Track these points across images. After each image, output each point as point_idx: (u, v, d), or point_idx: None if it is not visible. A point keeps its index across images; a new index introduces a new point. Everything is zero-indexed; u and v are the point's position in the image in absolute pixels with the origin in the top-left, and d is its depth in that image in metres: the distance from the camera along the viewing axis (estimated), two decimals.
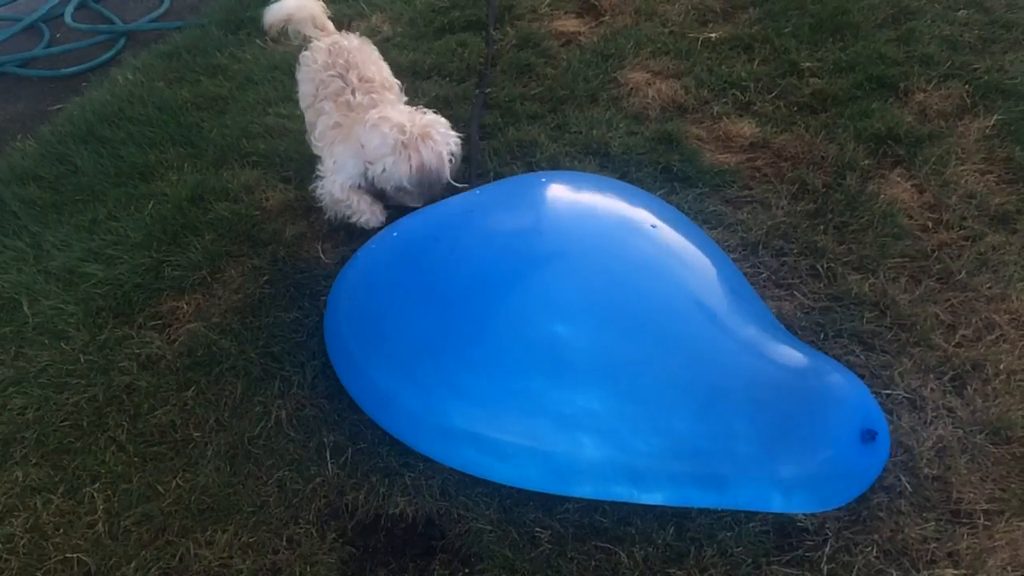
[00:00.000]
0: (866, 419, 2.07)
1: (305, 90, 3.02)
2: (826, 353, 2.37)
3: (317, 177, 2.92)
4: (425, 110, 2.77)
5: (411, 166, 2.65)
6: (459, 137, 2.77)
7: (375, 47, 3.08)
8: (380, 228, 2.80)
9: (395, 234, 2.55)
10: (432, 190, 2.74)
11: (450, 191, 2.76)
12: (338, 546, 2.09)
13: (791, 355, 2.15)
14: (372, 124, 2.70)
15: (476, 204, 2.56)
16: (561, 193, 2.56)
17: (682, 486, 2.04)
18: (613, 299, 2.15)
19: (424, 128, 2.67)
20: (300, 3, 3.07)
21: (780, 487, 2.01)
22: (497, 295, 2.19)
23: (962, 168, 3.01)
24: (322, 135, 2.90)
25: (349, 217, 2.89)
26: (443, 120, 2.75)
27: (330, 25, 3.13)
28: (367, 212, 2.87)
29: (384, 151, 2.67)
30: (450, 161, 2.72)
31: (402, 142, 2.65)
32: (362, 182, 2.81)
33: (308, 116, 3.03)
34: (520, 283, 2.21)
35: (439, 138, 2.68)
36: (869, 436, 2.02)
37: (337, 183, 2.83)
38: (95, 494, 2.22)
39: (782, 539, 2.02)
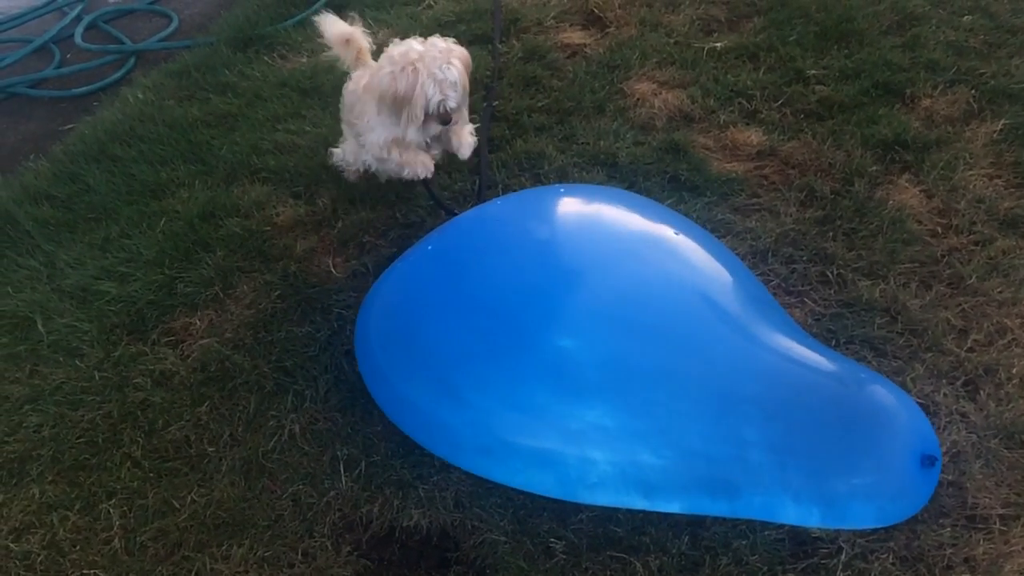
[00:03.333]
0: (925, 442, 2.07)
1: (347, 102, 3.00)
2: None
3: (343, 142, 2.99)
4: (444, 40, 2.66)
5: (387, 95, 2.62)
6: (463, 70, 2.63)
7: None
8: (429, 178, 2.85)
9: (429, 247, 2.57)
10: (416, 123, 2.66)
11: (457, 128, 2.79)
12: (353, 559, 2.09)
13: (835, 366, 2.17)
14: (380, 61, 2.68)
15: (501, 218, 2.59)
16: (583, 206, 2.60)
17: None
18: (630, 311, 2.16)
19: (415, 56, 2.57)
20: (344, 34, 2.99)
21: (823, 502, 2.02)
22: (529, 309, 2.22)
23: (970, 173, 3.01)
24: (351, 102, 2.89)
25: (399, 174, 2.85)
26: (451, 49, 2.63)
27: (368, 59, 3.00)
28: (413, 162, 2.81)
29: (383, 85, 2.63)
30: (443, 93, 2.58)
31: (391, 72, 2.59)
32: (396, 132, 2.74)
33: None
34: (537, 299, 2.22)
35: (422, 67, 2.55)
36: (929, 461, 2.02)
37: (374, 142, 2.80)
38: (111, 510, 2.23)
39: (797, 547, 2.02)
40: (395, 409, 2.32)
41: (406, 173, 2.84)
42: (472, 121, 2.91)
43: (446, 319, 2.27)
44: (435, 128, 2.73)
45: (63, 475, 2.34)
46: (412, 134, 2.72)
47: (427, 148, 2.84)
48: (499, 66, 3.82)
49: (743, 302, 2.27)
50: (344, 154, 3.11)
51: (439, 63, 2.56)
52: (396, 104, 2.63)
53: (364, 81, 2.81)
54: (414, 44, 2.61)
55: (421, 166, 2.81)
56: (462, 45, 2.61)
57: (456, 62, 2.60)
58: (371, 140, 2.81)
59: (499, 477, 2.14)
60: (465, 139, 2.83)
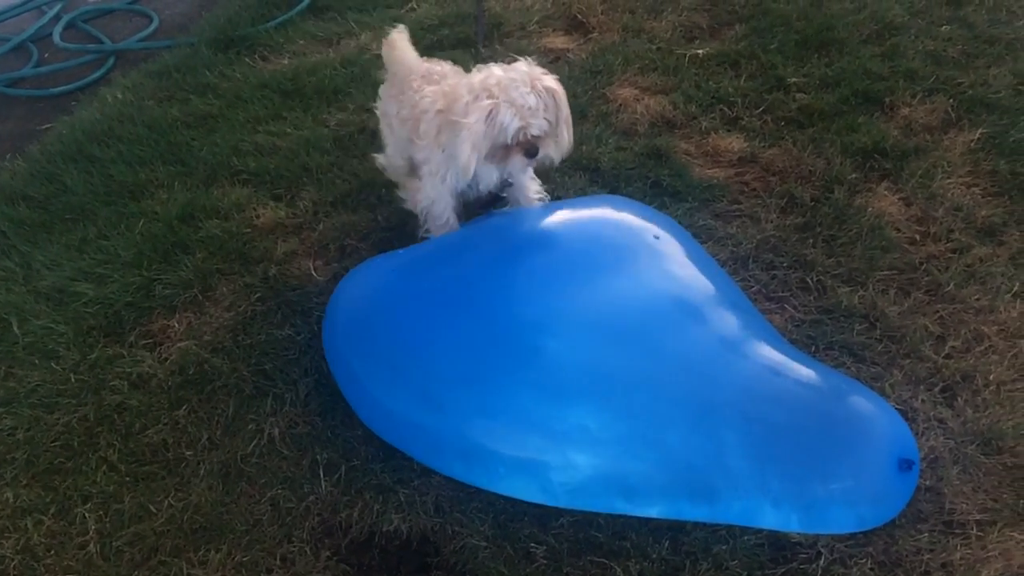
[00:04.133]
0: (903, 447, 2.08)
1: (387, 106, 2.88)
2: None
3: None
4: (530, 64, 2.41)
5: (448, 120, 2.42)
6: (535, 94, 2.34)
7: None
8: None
9: (400, 251, 2.58)
10: (478, 153, 2.38)
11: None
12: (332, 564, 2.08)
13: (814, 374, 2.18)
14: (459, 90, 2.41)
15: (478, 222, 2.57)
16: (563, 210, 2.61)
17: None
18: (609, 316, 2.17)
19: (492, 82, 2.34)
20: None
21: (802, 507, 2.02)
22: (496, 308, 2.22)
23: (948, 181, 3.04)
24: (426, 129, 2.60)
25: (426, 223, 2.71)
26: (536, 74, 2.36)
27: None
28: (439, 215, 2.65)
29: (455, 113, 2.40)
30: (523, 120, 2.32)
31: (466, 103, 2.35)
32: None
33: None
34: (515, 297, 2.22)
35: (500, 93, 2.31)
36: (906, 465, 2.03)
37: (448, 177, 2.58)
38: (87, 515, 2.20)
39: (776, 552, 2.03)
40: (372, 415, 2.31)
41: (433, 226, 2.69)
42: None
43: (422, 322, 2.26)
44: (520, 161, 2.45)
45: (38, 479, 2.31)
46: (480, 170, 2.45)
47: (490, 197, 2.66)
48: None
49: (723, 309, 2.27)
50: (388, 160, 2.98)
51: (520, 87, 2.31)
52: (450, 127, 2.41)
53: (439, 105, 2.53)
54: (495, 70, 2.39)
55: (440, 218, 2.64)
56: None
57: (543, 83, 2.35)
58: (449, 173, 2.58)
59: (480, 482, 2.14)
60: (531, 196, 2.68)
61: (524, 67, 2.38)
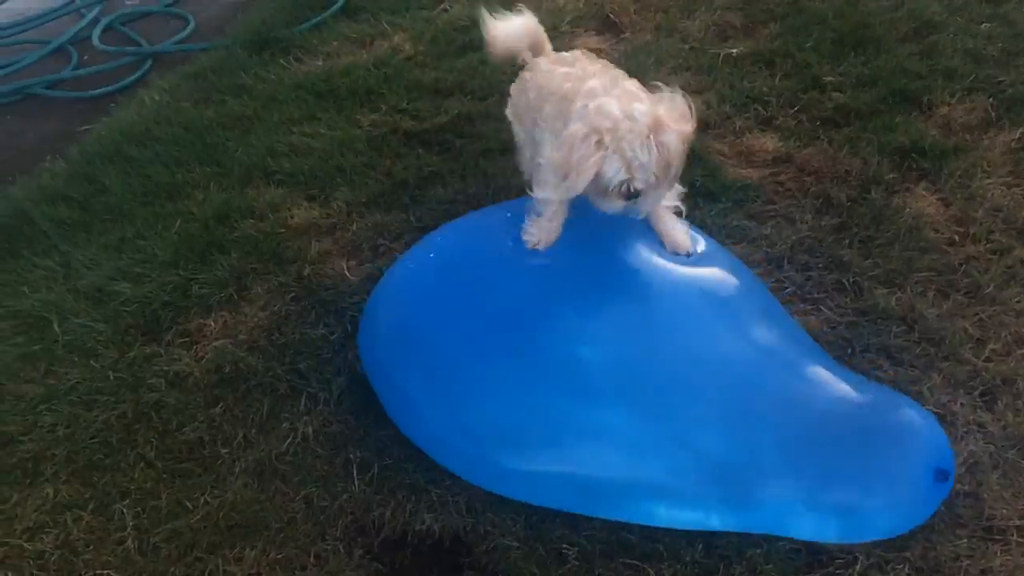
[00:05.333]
0: (941, 458, 2.05)
1: (516, 100, 2.67)
2: (854, 368, 2.36)
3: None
4: (654, 99, 2.18)
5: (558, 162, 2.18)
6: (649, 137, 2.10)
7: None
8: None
9: (431, 255, 2.56)
10: (572, 192, 2.20)
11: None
12: (365, 563, 2.09)
13: (848, 386, 2.15)
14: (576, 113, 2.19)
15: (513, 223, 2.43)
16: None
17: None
18: (645, 320, 2.17)
19: (607, 125, 2.10)
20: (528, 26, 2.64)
21: (830, 513, 2.01)
22: (528, 320, 2.22)
23: (988, 181, 2.99)
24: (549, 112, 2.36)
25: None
26: (661, 122, 2.11)
27: (548, 47, 2.71)
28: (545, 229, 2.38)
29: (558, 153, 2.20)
30: (629, 173, 2.12)
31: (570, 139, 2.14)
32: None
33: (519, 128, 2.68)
34: (548, 309, 2.23)
35: (611, 142, 2.09)
36: (942, 476, 2.01)
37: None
38: (124, 511, 2.24)
39: (812, 556, 2.00)
40: (412, 428, 2.34)
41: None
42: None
43: (460, 336, 2.26)
44: (617, 203, 2.23)
45: (77, 475, 2.34)
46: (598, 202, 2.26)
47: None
48: None
49: (758, 318, 2.25)
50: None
51: (634, 141, 2.08)
52: (561, 169, 2.17)
53: (565, 87, 2.30)
54: (612, 107, 2.11)
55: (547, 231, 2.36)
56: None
57: (662, 139, 2.11)
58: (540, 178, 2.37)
59: (518, 495, 2.15)
60: (679, 237, 2.38)
61: (644, 106, 2.12)
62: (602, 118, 2.09)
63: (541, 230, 2.34)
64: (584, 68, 2.37)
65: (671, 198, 2.40)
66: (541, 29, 2.67)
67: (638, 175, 2.10)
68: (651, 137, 2.08)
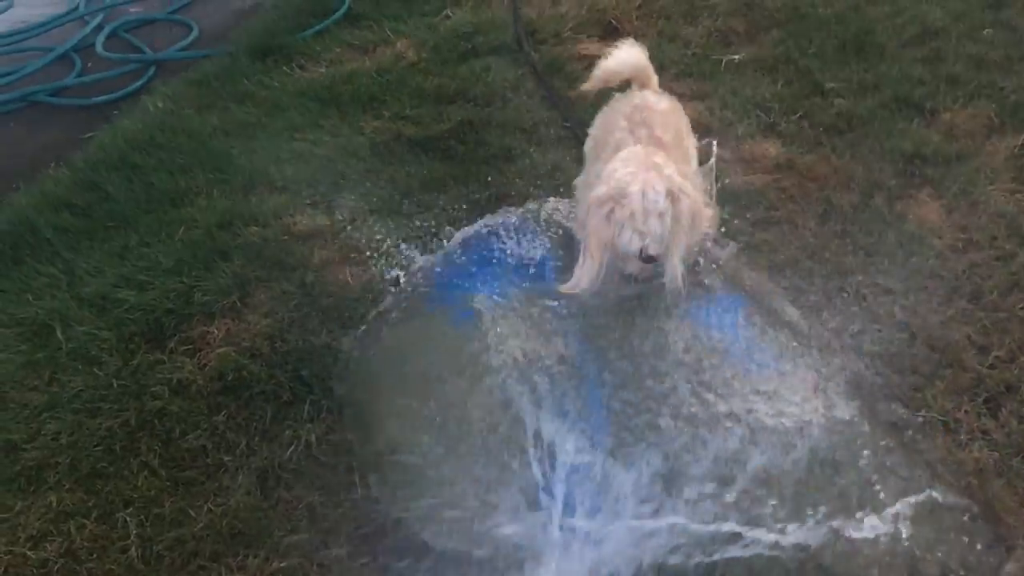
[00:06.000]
0: None
1: (593, 133, 2.76)
2: (856, 374, 2.36)
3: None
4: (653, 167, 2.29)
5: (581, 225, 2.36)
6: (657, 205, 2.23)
7: (684, 114, 2.76)
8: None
9: None
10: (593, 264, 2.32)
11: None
12: (369, 572, 2.08)
13: None
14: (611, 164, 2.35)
15: None
16: None
17: None
18: None
19: (619, 196, 2.24)
20: (635, 59, 2.74)
21: None
22: None
23: (991, 188, 2.99)
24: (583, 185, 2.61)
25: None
26: (675, 194, 2.24)
27: (654, 81, 2.78)
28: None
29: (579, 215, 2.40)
30: (642, 241, 2.25)
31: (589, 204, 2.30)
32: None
33: (587, 161, 2.75)
34: None
35: (621, 214, 2.24)
36: None
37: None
38: (128, 519, 2.23)
39: None
40: None
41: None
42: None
43: None
44: (634, 265, 2.38)
45: (80, 483, 2.34)
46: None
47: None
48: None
49: None
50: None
51: (646, 215, 2.22)
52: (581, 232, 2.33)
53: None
54: (630, 182, 2.24)
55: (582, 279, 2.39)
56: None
57: (680, 206, 2.24)
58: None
59: None
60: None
61: (660, 182, 2.23)
62: (619, 192, 2.23)
63: (584, 273, 2.38)
64: (640, 119, 2.52)
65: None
66: (648, 62, 2.74)
67: (652, 244, 2.25)
68: (666, 212, 2.22)
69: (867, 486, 2.11)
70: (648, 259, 2.31)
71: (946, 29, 3.87)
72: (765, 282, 2.69)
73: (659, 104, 2.62)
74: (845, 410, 2.30)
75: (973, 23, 3.90)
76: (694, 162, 2.68)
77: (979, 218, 2.88)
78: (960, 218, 2.90)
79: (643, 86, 2.73)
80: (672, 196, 2.24)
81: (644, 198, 2.22)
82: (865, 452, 2.18)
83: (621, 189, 2.24)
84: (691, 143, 2.70)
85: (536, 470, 2.19)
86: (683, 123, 2.69)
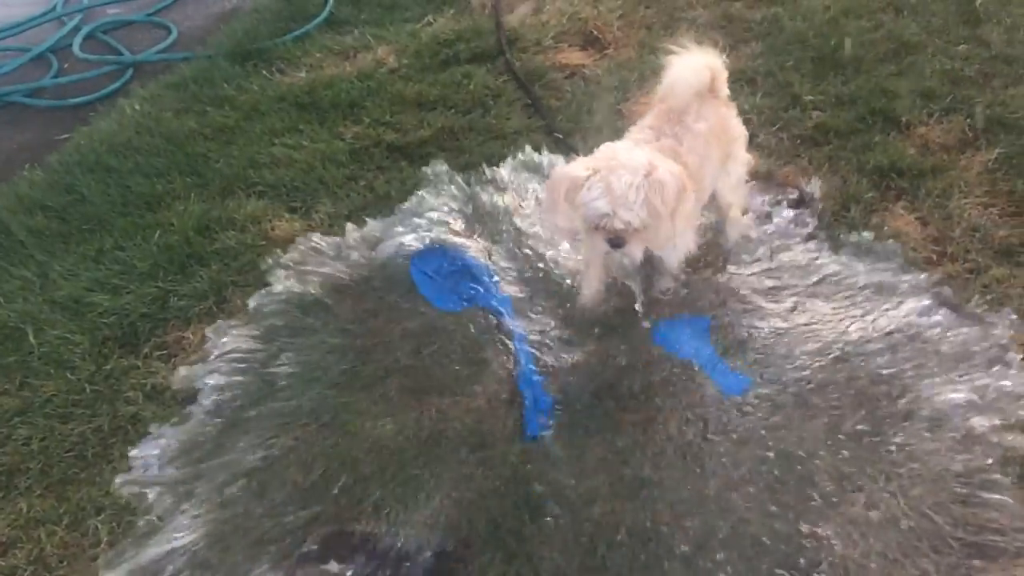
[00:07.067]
0: None
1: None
2: None
3: None
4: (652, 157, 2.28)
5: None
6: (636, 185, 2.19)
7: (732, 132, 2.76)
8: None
9: None
10: (552, 217, 2.40)
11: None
12: None
13: None
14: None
15: None
16: None
17: None
18: None
19: (603, 164, 2.25)
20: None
21: None
22: None
23: (965, 201, 3.02)
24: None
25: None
26: (657, 170, 2.22)
27: (724, 91, 2.77)
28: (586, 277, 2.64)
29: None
30: (611, 208, 2.21)
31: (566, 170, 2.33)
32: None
33: None
34: None
35: (600, 175, 2.22)
36: None
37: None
38: (99, 526, 2.21)
39: None
40: None
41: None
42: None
43: None
44: (601, 245, 2.36)
45: (51, 489, 2.32)
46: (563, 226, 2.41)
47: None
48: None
49: None
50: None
51: (624, 177, 2.18)
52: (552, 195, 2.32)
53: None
54: (614, 149, 2.30)
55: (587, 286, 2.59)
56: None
57: (655, 175, 2.20)
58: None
59: None
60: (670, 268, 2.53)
61: (644, 156, 2.25)
62: (606, 156, 2.25)
63: (586, 283, 2.56)
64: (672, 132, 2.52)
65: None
66: (721, 69, 2.70)
67: (620, 212, 2.18)
68: (644, 180, 2.18)
69: None
70: (616, 243, 2.29)
71: (922, 44, 3.91)
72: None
73: (696, 124, 2.56)
74: None
75: (948, 39, 3.95)
76: (733, 177, 2.76)
77: (953, 231, 2.91)
78: (935, 231, 2.93)
79: (711, 93, 2.67)
80: (651, 167, 2.21)
81: (628, 167, 2.20)
82: None
83: (605, 157, 2.26)
84: (738, 159, 2.75)
85: None
86: (720, 145, 2.64)
